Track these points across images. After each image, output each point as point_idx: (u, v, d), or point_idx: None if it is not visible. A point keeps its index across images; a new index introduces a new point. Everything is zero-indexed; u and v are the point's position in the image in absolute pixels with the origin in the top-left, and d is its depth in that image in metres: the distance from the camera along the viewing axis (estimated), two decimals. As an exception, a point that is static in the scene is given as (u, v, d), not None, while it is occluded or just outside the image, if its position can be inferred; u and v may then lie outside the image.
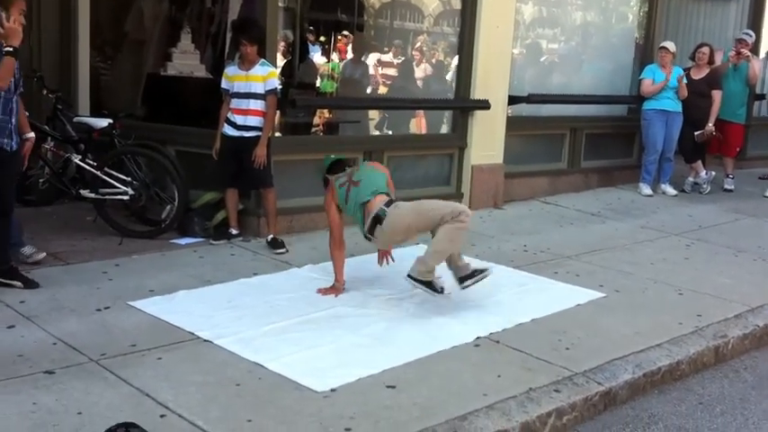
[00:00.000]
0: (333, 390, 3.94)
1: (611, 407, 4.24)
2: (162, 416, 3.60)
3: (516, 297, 5.54)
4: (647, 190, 9.59)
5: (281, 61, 9.51)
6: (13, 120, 5.03)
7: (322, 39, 12.02)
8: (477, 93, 8.27)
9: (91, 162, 6.56)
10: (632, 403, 4.32)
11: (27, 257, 5.71)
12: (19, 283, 5.23)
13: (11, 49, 4.82)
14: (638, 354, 4.66)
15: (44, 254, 5.83)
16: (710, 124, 9.57)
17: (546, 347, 4.63)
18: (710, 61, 9.77)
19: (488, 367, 4.34)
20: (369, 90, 10.48)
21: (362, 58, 10.82)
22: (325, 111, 10.03)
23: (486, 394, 3.99)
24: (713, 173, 9.98)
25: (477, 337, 4.73)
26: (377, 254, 5.66)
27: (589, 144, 9.83)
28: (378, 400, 3.87)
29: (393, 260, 5.59)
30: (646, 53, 10.35)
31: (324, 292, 5.35)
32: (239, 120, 6.47)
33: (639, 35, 10.55)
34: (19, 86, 5.10)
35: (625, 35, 10.70)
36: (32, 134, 5.39)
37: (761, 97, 11.79)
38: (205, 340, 4.51)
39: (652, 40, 10.37)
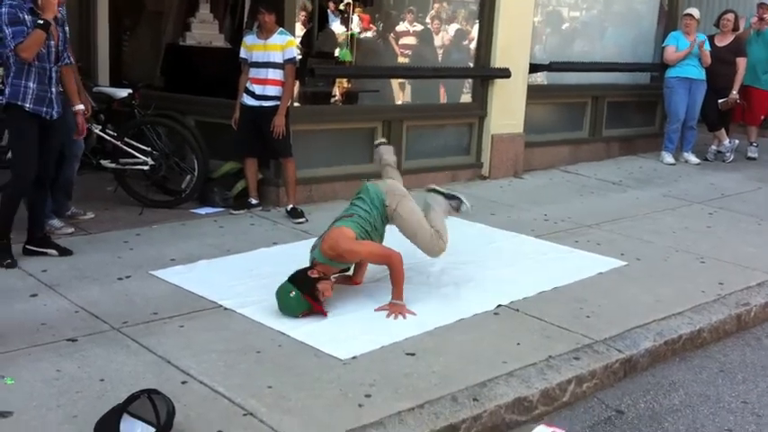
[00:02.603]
0: (353, 357, 3.96)
1: (631, 374, 4.23)
2: (183, 382, 3.64)
3: (537, 266, 5.52)
4: (669, 158, 9.51)
5: (299, 30, 9.48)
6: (53, 89, 5.09)
7: (341, 7, 11.95)
8: (498, 61, 8.20)
9: (111, 132, 6.58)
10: (653, 371, 4.31)
11: (56, 230, 5.76)
12: (54, 251, 5.31)
13: (41, 22, 4.86)
14: (660, 322, 4.64)
15: (72, 229, 5.88)
16: (734, 92, 9.45)
17: (566, 316, 4.62)
18: (735, 28, 9.61)
19: (508, 335, 4.34)
20: (388, 59, 10.41)
21: (382, 27, 10.74)
22: (344, 80, 9.99)
23: (506, 362, 3.99)
24: (737, 141, 9.86)
25: (498, 306, 4.73)
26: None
27: (611, 112, 9.74)
28: (398, 367, 3.88)
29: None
30: (670, 20, 10.20)
31: (391, 311, 4.58)
32: (258, 89, 6.46)
33: (664, 2, 10.39)
34: (63, 57, 5.18)
35: (649, 1, 10.53)
36: (81, 106, 5.44)
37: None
38: (226, 309, 4.54)
39: (676, 7, 10.23)
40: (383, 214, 4.78)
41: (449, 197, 5.11)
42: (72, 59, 5.42)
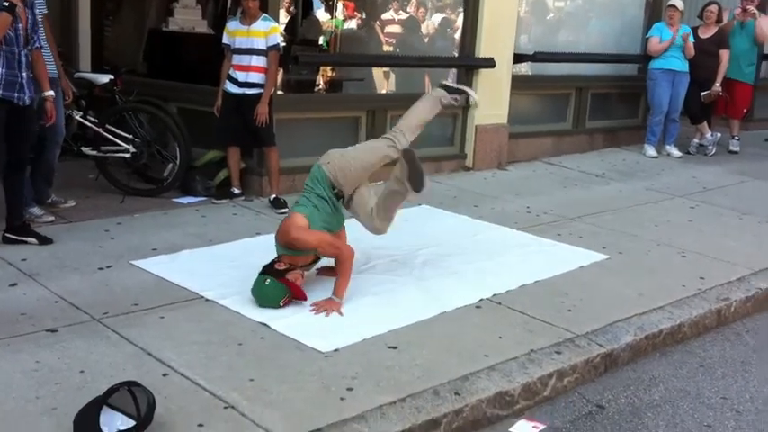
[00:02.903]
0: (335, 350, 3.94)
1: (612, 369, 4.25)
2: (164, 374, 3.61)
3: (519, 259, 5.53)
4: (651, 151, 9.54)
5: (283, 17, 9.42)
6: (24, 74, 5.00)
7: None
8: (483, 51, 8.18)
9: (92, 119, 6.51)
10: (633, 365, 4.33)
11: (36, 218, 5.70)
12: (34, 240, 5.26)
13: (6, 4, 4.76)
14: (641, 316, 4.65)
15: (53, 217, 5.83)
16: (717, 84, 9.48)
17: (548, 309, 4.63)
18: (719, 20, 9.64)
19: (490, 329, 4.34)
20: (373, 48, 10.38)
21: (367, 15, 10.70)
22: (329, 68, 9.94)
23: (488, 355, 3.99)
24: (719, 134, 9.90)
25: (480, 299, 4.72)
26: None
27: (594, 104, 9.76)
28: (379, 360, 3.87)
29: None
30: (654, 11, 10.21)
31: (322, 306, 4.44)
32: (241, 76, 6.41)
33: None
34: (33, 41, 5.07)
35: (634, -8, 10.55)
36: (51, 92, 5.32)
37: (769, 57, 11.64)
38: (208, 300, 4.51)
39: (661, -2, 10.24)
40: (327, 181, 4.64)
41: (452, 90, 5.04)
42: (42, 43, 5.28)
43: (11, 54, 4.91)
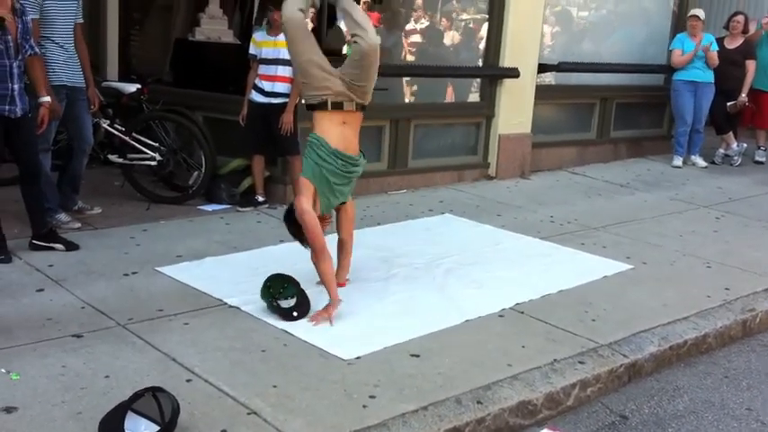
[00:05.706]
0: (357, 357, 3.96)
1: (635, 379, 4.23)
2: (188, 380, 3.64)
3: (542, 268, 5.51)
4: (677, 161, 9.48)
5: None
6: (15, 86, 4.92)
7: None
8: (507, 60, 8.19)
9: (119, 127, 6.58)
10: (657, 376, 4.31)
11: (63, 224, 5.77)
12: (61, 246, 5.30)
13: None
14: (665, 326, 4.63)
15: (79, 224, 5.89)
16: (744, 95, 9.42)
17: (571, 319, 4.61)
18: (745, 30, 9.58)
19: (513, 338, 4.33)
20: (396, 57, 10.38)
21: (390, 25, 10.70)
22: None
23: (511, 365, 3.99)
24: (745, 145, 9.83)
25: (502, 308, 4.72)
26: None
27: (619, 114, 9.72)
28: (402, 368, 3.88)
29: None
30: (680, 21, 10.16)
31: (317, 317, 4.39)
32: (267, 86, 6.47)
33: (674, 2, 10.35)
34: (25, 50, 4.97)
35: (659, 2, 10.50)
36: (47, 98, 5.21)
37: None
38: (232, 306, 4.54)
39: (686, 8, 10.18)
40: None
41: None
42: (37, 49, 5.13)
43: (1, 67, 4.84)
